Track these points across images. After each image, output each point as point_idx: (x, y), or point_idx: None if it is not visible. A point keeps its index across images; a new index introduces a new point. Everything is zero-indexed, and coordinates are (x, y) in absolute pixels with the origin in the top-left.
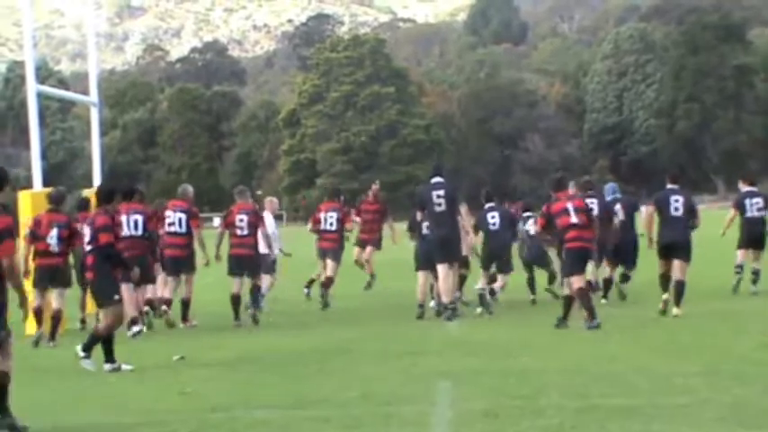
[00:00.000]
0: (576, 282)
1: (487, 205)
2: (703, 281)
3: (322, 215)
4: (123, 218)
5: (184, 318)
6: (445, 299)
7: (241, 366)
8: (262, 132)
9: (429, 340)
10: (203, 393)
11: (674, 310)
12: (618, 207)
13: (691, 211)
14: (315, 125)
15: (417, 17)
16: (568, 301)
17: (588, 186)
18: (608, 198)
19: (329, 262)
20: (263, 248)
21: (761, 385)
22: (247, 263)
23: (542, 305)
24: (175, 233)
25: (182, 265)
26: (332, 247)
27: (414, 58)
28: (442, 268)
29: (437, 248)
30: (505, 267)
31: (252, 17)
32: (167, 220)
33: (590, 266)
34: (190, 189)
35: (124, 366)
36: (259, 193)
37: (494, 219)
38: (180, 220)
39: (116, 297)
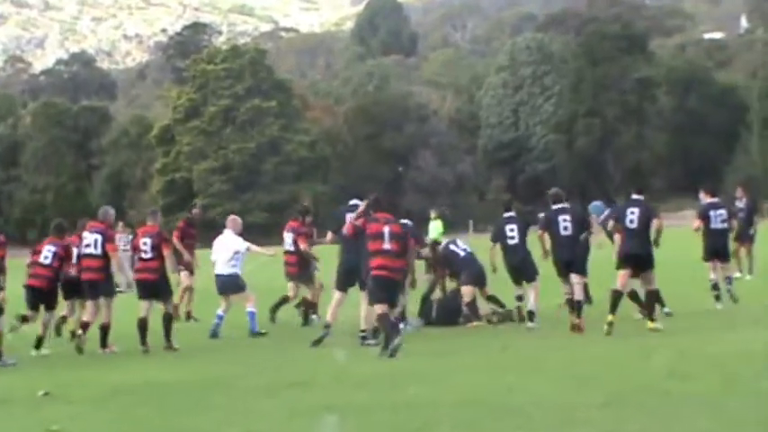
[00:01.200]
0: (379, 308)
1: (506, 215)
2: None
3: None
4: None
5: (103, 344)
6: (364, 325)
7: (114, 401)
8: (133, 150)
9: (316, 372)
10: (70, 431)
11: (650, 324)
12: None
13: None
14: (191, 142)
15: (301, 26)
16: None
17: (558, 199)
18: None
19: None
20: (227, 269)
21: (666, 416)
22: (151, 287)
23: (430, 332)
24: (90, 255)
25: (98, 288)
26: (295, 271)
27: (297, 69)
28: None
29: (345, 275)
30: (530, 276)
31: (122, 26)
32: (84, 242)
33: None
34: (111, 212)
35: None
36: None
37: (512, 231)
38: (96, 241)
39: None
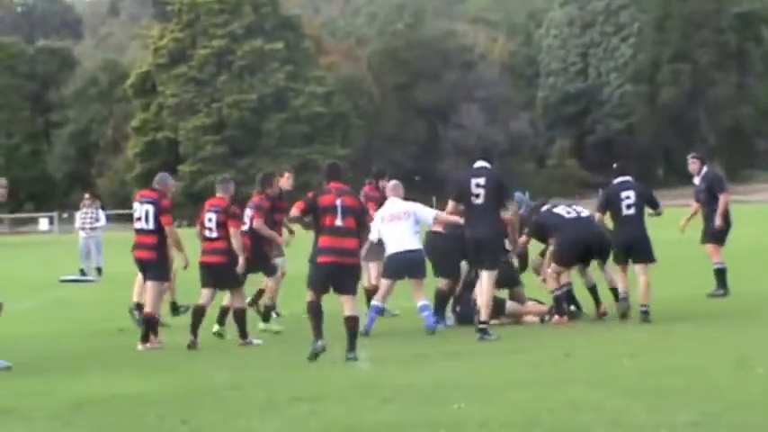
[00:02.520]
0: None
1: (620, 179)
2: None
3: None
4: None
5: (145, 338)
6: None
7: (78, 416)
8: (104, 103)
9: (330, 383)
10: None
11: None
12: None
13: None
14: (176, 93)
15: None
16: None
17: (621, 171)
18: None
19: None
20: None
21: None
22: (216, 272)
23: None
24: (142, 230)
25: (149, 269)
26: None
27: (309, 3)
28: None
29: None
30: (649, 257)
31: None
32: (135, 215)
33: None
34: (171, 180)
35: None
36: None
37: (629, 200)
38: (147, 213)
39: None
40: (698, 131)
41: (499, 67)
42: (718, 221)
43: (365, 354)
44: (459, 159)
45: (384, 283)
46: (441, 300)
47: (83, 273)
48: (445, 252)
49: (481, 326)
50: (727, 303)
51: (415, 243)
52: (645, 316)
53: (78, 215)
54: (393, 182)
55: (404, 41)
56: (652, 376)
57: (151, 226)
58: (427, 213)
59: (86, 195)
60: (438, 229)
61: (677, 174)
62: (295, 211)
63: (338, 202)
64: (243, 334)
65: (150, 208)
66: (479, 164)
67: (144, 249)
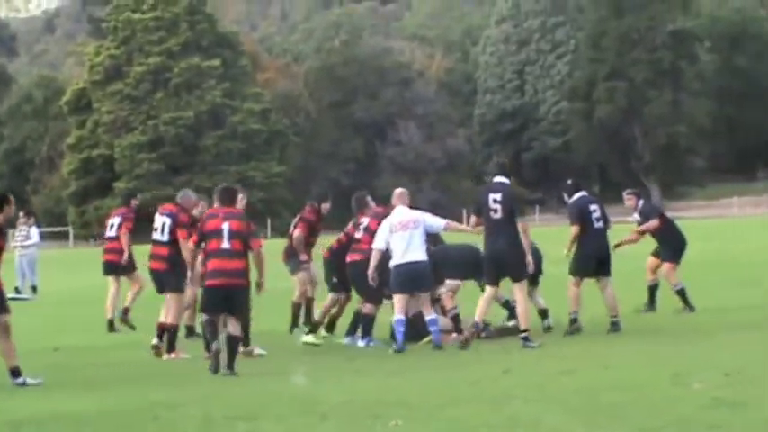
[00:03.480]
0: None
1: (579, 194)
2: None
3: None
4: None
5: (171, 348)
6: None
7: None
8: (39, 120)
9: (268, 399)
10: None
11: None
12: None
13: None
14: (112, 110)
15: None
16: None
17: (574, 188)
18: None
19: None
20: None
21: None
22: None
23: (429, 347)
24: (157, 241)
25: (164, 281)
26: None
27: (247, 20)
28: None
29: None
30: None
31: None
32: (153, 226)
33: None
34: (193, 196)
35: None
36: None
37: (596, 213)
38: (164, 225)
39: None
40: (633, 149)
41: (436, 84)
42: (632, 237)
43: (303, 369)
44: (396, 176)
45: (397, 298)
46: (366, 322)
47: (17, 291)
48: (365, 278)
49: (523, 334)
50: (663, 319)
51: (421, 254)
52: (615, 327)
53: (15, 233)
54: (399, 190)
55: (341, 58)
56: (590, 392)
57: (165, 238)
58: (438, 221)
59: (21, 213)
60: (356, 258)
61: (612, 190)
62: (191, 244)
63: (225, 225)
64: (170, 347)
65: (168, 220)
66: (498, 179)
67: (157, 260)
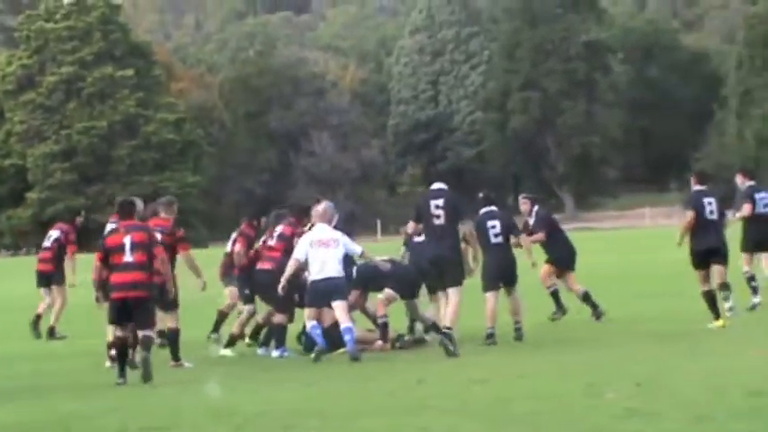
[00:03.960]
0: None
1: (486, 210)
2: None
3: None
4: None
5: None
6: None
7: None
8: None
9: (183, 410)
10: None
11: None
12: None
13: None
14: (24, 120)
15: None
16: None
17: (487, 201)
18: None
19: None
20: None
21: None
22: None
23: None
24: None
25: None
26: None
27: (160, 29)
28: None
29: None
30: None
31: None
32: None
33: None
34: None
35: None
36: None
37: (495, 228)
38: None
39: None
40: (547, 159)
41: (350, 94)
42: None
43: (217, 379)
44: (310, 186)
45: (307, 312)
46: (278, 332)
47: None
48: (275, 288)
49: (446, 330)
50: (575, 328)
51: (338, 271)
52: (519, 333)
53: None
54: (323, 205)
55: (255, 69)
56: (503, 402)
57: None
58: (355, 247)
59: None
60: (267, 266)
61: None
62: (97, 262)
63: (126, 239)
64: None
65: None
66: (437, 185)
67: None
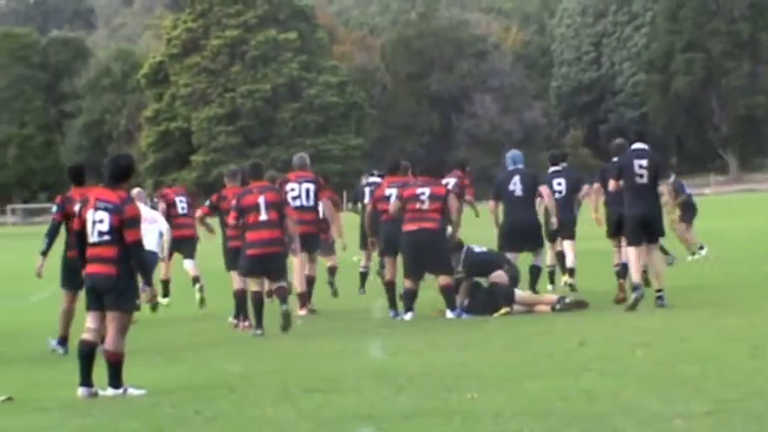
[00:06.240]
0: (253, 285)
1: (552, 169)
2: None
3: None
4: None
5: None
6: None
7: (92, 408)
8: (117, 93)
9: (344, 373)
10: None
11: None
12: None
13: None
14: (189, 83)
15: None
16: None
17: (557, 159)
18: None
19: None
20: None
21: None
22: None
23: (504, 320)
24: (303, 207)
25: (312, 243)
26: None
27: None
28: None
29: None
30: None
31: None
32: (291, 194)
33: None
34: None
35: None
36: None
37: (560, 186)
38: (307, 191)
39: None
40: (711, 120)
41: (512, 56)
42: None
43: (378, 343)
44: (472, 149)
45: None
46: (449, 293)
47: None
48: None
49: (659, 293)
50: (738, 292)
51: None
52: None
53: None
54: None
55: (417, 31)
56: (665, 365)
57: (311, 203)
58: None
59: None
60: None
61: (691, 162)
62: (231, 221)
63: (261, 199)
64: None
65: (311, 186)
66: (638, 145)
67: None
